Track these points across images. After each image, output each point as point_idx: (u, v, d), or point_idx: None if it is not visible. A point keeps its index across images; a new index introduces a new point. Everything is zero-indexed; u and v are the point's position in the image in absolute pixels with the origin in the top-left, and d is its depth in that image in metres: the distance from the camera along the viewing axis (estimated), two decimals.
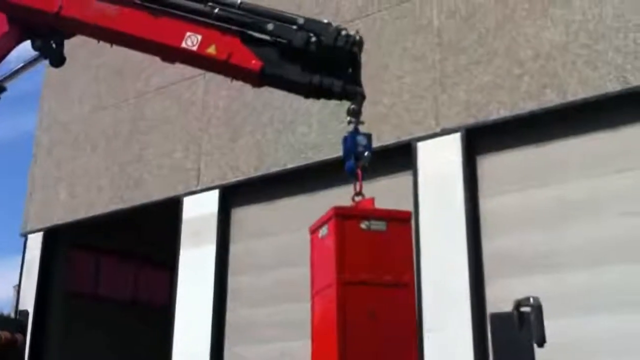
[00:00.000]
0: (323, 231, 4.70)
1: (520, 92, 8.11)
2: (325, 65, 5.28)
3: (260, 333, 9.63)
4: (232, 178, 10.39)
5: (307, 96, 5.53)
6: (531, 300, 3.24)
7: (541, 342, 3.18)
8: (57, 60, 5.96)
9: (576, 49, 7.85)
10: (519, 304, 3.24)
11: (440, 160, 8.44)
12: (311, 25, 5.30)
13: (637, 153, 7.40)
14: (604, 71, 7.63)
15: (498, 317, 3.27)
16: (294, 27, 5.31)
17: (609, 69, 7.60)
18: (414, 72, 9.00)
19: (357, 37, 5.28)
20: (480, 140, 8.35)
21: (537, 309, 3.22)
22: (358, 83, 5.31)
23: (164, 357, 10.07)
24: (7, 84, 5.75)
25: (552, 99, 7.89)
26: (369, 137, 5.12)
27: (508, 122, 8.15)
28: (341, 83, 5.25)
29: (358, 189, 4.95)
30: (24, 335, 5.85)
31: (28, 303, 11.96)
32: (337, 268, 4.41)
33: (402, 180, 8.76)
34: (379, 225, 4.58)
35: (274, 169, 10.01)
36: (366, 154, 5.04)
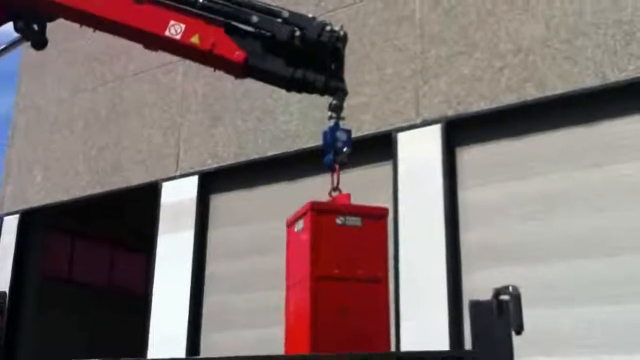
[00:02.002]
0: (299, 225, 4.75)
1: (501, 86, 8.19)
2: (309, 59, 5.29)
3: (237, 319, 9.65)
4: (211, 164, 10.38)
5: (288, 90, 5.55)
6: (510, 289, 3.31)
7: (519, 330, 3.25)
8: (39, 42, 5.92)
9: (556, 44, 7.94)
10: (498, 292, 3.30)
11: (420, 151, 8.50)
12: (296, 19, 5.31)
13: (614, 148, 7.52)
14: (582, 66, 7.73)
15: (477, 305, 3.33)
16: (279, 20, 5.31)
17: (588, 64, 7.70)
18: (395, 63, 9.04)
19: (342, 33, 5.30)
20: (460, 132, 8.42)
21: (516, 297, 3.28)
22: (340, 78, 5.34)
23: (140, 343, 10.05)
24: None
25: (531, 92, 7.98)
26: (349, 133, 5.17)
27: (488, 114, 8.23)
28: (323, 78, 5.28)
29: (335, 183, 5.02)
30: (2, 315, 5.80)
31: (3, 286, 11.84)
32: (312, 262, 4.48)
33: (381, 170, 8.82)
34: (354, 221, 4.65)
35: (254, 156, 10.01)
36: (345, 149, 5.10)
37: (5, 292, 6.68)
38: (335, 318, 4.25)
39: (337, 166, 5.06)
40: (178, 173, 10.67)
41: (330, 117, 5.20)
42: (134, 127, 11.48)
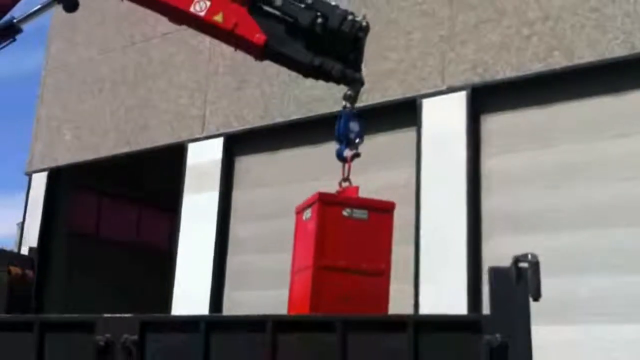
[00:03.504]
0: (307, 214, 4.80)
1: (528, 53, 8.14)
2: (328, 47, 5.26)
3: (258, 280, 9.81)
4: (237, 127, 10.47)
5: (306, 76, 5.53)
6: (529, 256, 3.35)
7: (537, 297, 3.30)
8: (71, 5, 5.97)
9: (585, 12, 7.85)
10: (517, 259, 3.35)
11: (444, 118, 8.51)
12: (319, 5, 5.26)
13: None
14: (612, 35, 7.65)
15: (497, 271, 3.39)
16: (302, 5, 5.27)
17: (617, 34, 7.62)
18: (422, 28, 9.00)
19: (364, 23, 5.25)
20: (485, 99, 8.40)
21: (535, 265, 3.33)
22: (358, 69, 5.30)
23: (164, 301, 10.28)
24: (23, 26, 5.78)
25: (559, 61, 7.92)
26: (362, 123, 5.13)
27: (514, 82, 8.20)
28: (341, 67, 5.23)
29: (346, 174, 5.00)
30: (34, 271, 6.01)
31: (31, 241, 12.13)
32: (316, 252, 4.54)
33: (406, 136, 8.85)
34: (361, 214, 4.69)
35: (279, 119, 10.07)
36: (357, 140, 5.07)
37: (36, 248, 6.86)
38: (335, 308, 4.28)
39: (349, 157, 5.03)
40: (204, 134, 10.78)
41: (344, 107, 5.17)
42: (162, 88, 11.58)
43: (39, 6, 6.02)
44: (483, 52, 8.44)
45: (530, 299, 3.34)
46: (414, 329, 3.46)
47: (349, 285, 4.52)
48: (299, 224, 4.98)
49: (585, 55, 7.76)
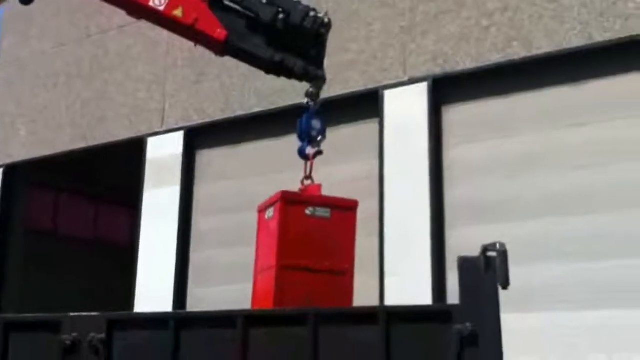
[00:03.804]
0: (269, 213, 4.79)
1: (487, 44, 8.22)
2: (290, 43, 5.22)
3: (222, 275, 9.75)
4: (197, 120, 10.36)
5: (267, 72, 5.47)
6: (497, 245, 3.39)
7: (505, 285, 3.35)
8: None
9: (544, 2, 7.95)
10: (485, 249, 3.39)
11: (406, 109, 8.54)
12: (281, 1, 5.22)
13: (597, 107, 7.61)
14: (569, 26, 7.77)
15: (465, 261, 3.42)
16: (264, 0, 5.22)
17: (574, 24, 7.74)
18: (383, 19, 9.02)
19: (326, 20, 5.23)
20: (446, 90, 8.46)
21: (503, 254, 3.37)
22: (320, 65, 5.28)
23: (127, 298, 10.15)
24: None
25: (518, 51, 8.01)
26: (323, 121, 5.12)
27: (474, 73, 8.27)
28: (303, 64, 5.21)
29: (308, 172, 5.01)
30: None
31: None
32: (279, 252, 4.53)
33: (368, 128, 8.87)
34: (323, 212, 4.70)
35: (240, 112, 10.00)
36: (320, 138, 5.06)
37: None
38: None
39: (311, 155, 5.03)
40: (163, 128, 10.65)
41: (307, 104, 5.15)
42: (119, 81, 11.39)
43: None
44: (443, 43, 8.49)
45: (499, 288, 3.38)
46: (385, 320, 3.47)
47: (312, 285, 4.51)
48: (261, 222, 4.96)
49: (543, 46, 7.87)
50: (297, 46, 5.23)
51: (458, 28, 8.43)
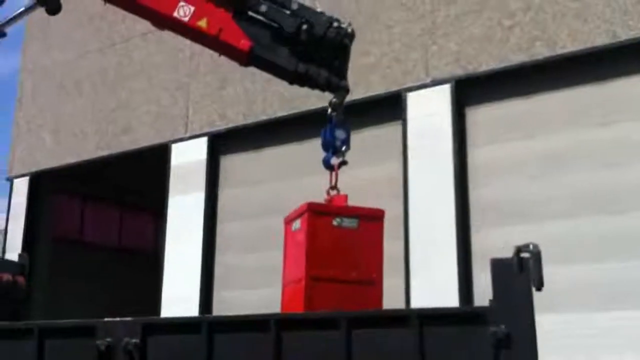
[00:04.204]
0: (296, 225, 4.77)
1: (510, 44, 8.19)
2: (313, 54, 5.22)
3: (247, 279, 9.79)
4: (221, 126, 10.42)
5: (291, 82, 5.49)
6: (531, 246, 3.37)
7: (539, 286, 3.33)
8: (55, 8, 5.88)
9: (567, 1, 7.91)
10: (519, 250, 3.37)
11: (429, 111, 8.53)
12: (304, 12, 5.24)
13: (622, 106, 7.55)
14: (593, 25, 7.72)
15: (499, 262, 3.40)
16: (287, 11, 5.24)
17: (598, 23, 7.69)
18: (404, 22, 9.02)
19: (349, 30, 5.22)
20: (469, 91, 8.44)
21: (537, 255, 3.35)
22: (343, 76, 5.27)
23: (153, 303, 10.22)
24: (6, 30, 5.69)
25: (541, 51, 7.98)
26: (348, 131, 5.10)
27: (497, 74, 8.24)
28: (326, 74, 5.21)
29: (334, 183, 4.98)
30: (25, 278, 5.94)
31: (15, 247, 11.99)
32: (307, 264, 4.50)
33: (391, 130, 8.87)
34: (351, 223, 4.67)
35: (263, 117, 10.04)
36: (344, 148, 5.04)
37: (27, 254, 6.80)
38: None
39: (336, 166, 5.01)
40: (187, 134, 10.72)
41: (330, 115, 5.14)
42: (143, 89, 11.49)
43: (22, 9, 5.92)
44: (465, 44, 8.47)
45: (533, 289, 3.36)
46: (417, 323, 3.46)
47: (341, 296, 4.48)
48: (288, 234, 4.94)
49: (567, 45, 7.82)
50: (320, 57, 5.23)
51: (480, 29, 8.41)
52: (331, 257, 4.59)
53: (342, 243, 4.62)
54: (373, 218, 4.80)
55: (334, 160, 5.04)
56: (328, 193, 4.98)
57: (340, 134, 5.06)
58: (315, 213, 4.64)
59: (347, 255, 4.63)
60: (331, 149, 5.04)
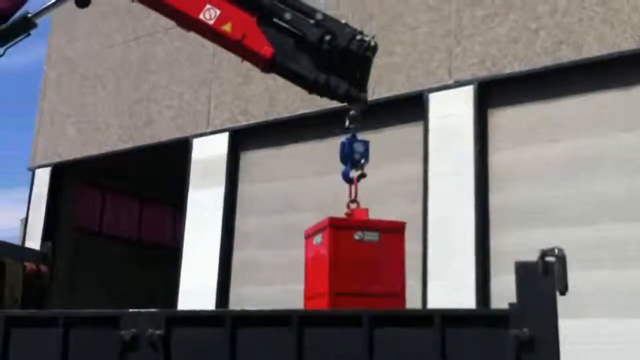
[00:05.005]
0: (317, 239, 4.77)
1: (536, 47, 8.16)
2: (335, 64, 5.21)
3: (264, 275, 9.83)
4: (242, 121, 10.47)
5: (310, 92, 5.50)
6: (556, 250, 3.37)
7: (564, 290, 3.33)
8: (85, 1, 5.93)
9: (593, 5, 7.87)
10: (544, 253, 3.37)
11: (452, 112, 8.52)
12: (328, 23, 5.24)
13: None
14: (620, 29, 7.68)
15: (523, 266, 3.41)
16: (312, 21, 5.24)
17: (625, 28, 7.65)
18: (428, 23, 9.01)
19: (372, 43, 5.21)
20: (492, 93, 8.42)
21: (562, 259, 3.35)
22: (363, 88, 5.26)
23: (170, 296, 10.28)
24: (37, 20, 5.76)
25: (567, 55, 7.94)
26: (366, 144, 5.07)
27: (522, 76, 8.22)
28: (346, 86, 5.20)
29: (353, 196, 4.97)
30: (48, 266, 6.00)
31: (35, 237, 12.11)
32: (330, 278, 4.50)
33: (413, 130, 8.86)
34: (372, 237, 4.66)
35: (285, 114, 10.07)
36: (362, 161, 5.01)
37: (50, 243, 6.86)
38: None
39: (355, 179, 5.00)
40: (209, 129, 10.77)
41: (349, 127, 5.12)
42: (165, 83, 11.56)
43: (54, 0, 5.99)
44: (490, 46, 8.45)
45: (557, 293, 3.36)
46: (440, 323, 3.47)
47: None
48: (308, 247, 4.93)
49: (593, 49, 7.78)
50: (341, 68, 5.21)
51: (506, 31, 8.38)
52: (353, 271, 4.58)
53: (364, 257, 4.62)
54: (394, 230, 4.79)
55: (353, 173, 5.03)
56: (348, 206, 4.96)
57: (358, 146, 5.04)
58: (337, 228, 4.64)
59: (369, 269, 4.63)
60: (349, 162, 5.02)
